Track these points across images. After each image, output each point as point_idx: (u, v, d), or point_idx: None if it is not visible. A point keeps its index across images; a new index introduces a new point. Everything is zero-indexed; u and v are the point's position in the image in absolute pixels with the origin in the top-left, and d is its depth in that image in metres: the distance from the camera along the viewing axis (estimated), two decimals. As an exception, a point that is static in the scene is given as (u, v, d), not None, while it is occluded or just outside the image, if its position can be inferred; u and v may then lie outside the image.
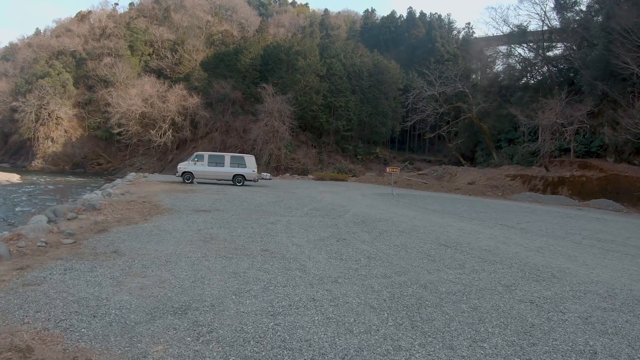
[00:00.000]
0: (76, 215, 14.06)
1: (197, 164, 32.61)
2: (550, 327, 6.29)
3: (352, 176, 57.61)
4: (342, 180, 51.08)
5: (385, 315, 6.34)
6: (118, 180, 33.48)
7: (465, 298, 7.36)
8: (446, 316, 6.44)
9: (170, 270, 8.07)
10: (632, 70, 36.84)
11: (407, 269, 9.29)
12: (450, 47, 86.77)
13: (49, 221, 13.21)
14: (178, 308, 6.20)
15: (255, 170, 33.95)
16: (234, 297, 6.74)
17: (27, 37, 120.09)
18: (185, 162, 33.52)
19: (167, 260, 8.86)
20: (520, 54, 61.95)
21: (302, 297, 6.93)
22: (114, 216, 14.53)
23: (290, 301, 6.70)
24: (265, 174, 38.66)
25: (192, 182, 32.11)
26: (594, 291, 8.34)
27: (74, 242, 10.19)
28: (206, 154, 33.71)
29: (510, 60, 64.36)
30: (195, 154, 34.28)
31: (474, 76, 74.32)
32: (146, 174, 44.04)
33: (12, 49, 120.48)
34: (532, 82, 60.57)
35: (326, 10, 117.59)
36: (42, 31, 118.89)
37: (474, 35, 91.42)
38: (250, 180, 33.79)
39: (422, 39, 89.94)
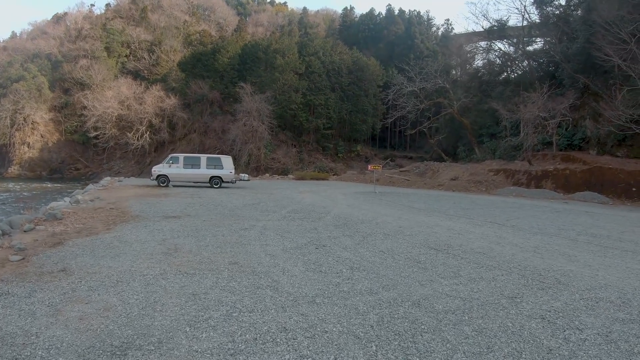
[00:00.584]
0: (34, 227, 12.91)
1: (172, 167, 31.23)
2: (571, 350, 5.21)
3: (333, 175, 56.63)
4: (322, 179, 49.99)
5: (374, 348, 5.13)
6: (90, 186, 31.93)
7: (466, 317, 6.18)
8: (447, 345, 5.26)
9: (120, 294, 6.81)
10: (613, 62, 36.19)
11: (396, 282, 8.08)
12: (430, 44, 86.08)
13: (3, 234, 12.12)
14: (118, 347, 4.97)
15: (233, 171, 32.71)
16: (187, 330, 5.49)
17: (3, 41, 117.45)
18: (160, 165, 32.10)
19: (118, 279, 7.59)
20: (500, 48, 60.98)
21: (271, 326, 5.68)
22: (75, 226, 13.33)
23: (256, 333, 5.44)
24: (243, 175, 37.32)
25: (167, 186, 30.78)
26: (606, 298, 7.30)
27: (22, 258, 9.01)
28: (181, 156, 32.35)
29: (490, 56, 63.27)
30: (170, 155, 32.96)
31: (453, 72, 73.58)
32: (121, 178, 42.40)
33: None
34: (513, 76, 59.71)
35: (305, 9, 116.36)
36: (18, 34, 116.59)
37: (454, 31, 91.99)
38: (228, 182, 32.59)
39: (401, 35, 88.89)
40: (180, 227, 13.54)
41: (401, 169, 55.14)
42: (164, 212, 16.87)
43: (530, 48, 58.32)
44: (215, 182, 31.82)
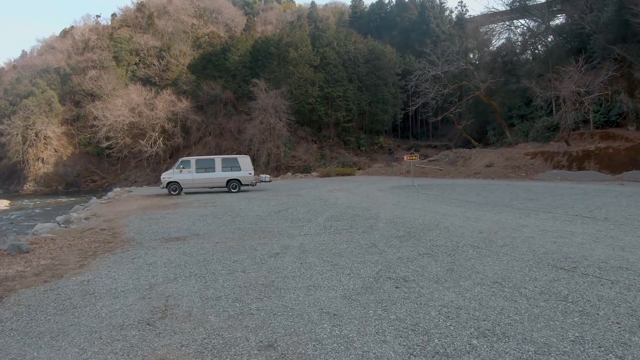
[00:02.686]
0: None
1: (183, 172, 26.99)
2: None
3: (358, 169, 52.28)
4: (349, 174, 45.75)
5: None
6: (93, 200, 27.88)
7: None
8: None
9: None
10: None
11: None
12: (445, 28, 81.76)
13: None
14: None
15: (252, 172, 28.23)
16: None
17: (14, 60, 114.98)
18: (170, 171, 27.87)
19: None
20: (523, 24, 56.78)
21: None
22: (40, 263, 9.53)
23: None
24: (263, 175, 32.67)
25: (179, 194, 26.62)
26: None
27: None
28: (193, 159, 28.09)
29: (512, 34, 59.56)
30: (180, 160, 28.57)
31: (470, 55, 69.25)
32: (131, 188, 38.24)
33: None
34: (539, 53, 55.41)
35: (313, 3, 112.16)
36: (27, 52, 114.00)
37: (468, 13, 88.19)
38: (247, 185, 28.22)
39: (416, 21, 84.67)
40: (181, 257, 9.38)
41: (430, 159, 50.90)
42: (166, 232, 12.76)
43: (554, 23, 54.52)
44: (233, 185, 27.49)
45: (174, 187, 26.77)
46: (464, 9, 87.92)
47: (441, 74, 49.72)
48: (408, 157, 31.16)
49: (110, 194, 32.06)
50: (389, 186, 28.70)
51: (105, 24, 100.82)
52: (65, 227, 16.56)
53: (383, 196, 21.89)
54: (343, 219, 14.05)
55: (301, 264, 8.36)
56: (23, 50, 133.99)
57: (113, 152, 68.74)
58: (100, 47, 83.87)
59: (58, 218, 19.25)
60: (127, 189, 37.65)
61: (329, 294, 6.42)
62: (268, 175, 32.64)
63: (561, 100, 38.37)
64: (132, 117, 67.62)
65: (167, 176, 27.26)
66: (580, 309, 5.59)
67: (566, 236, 10.41)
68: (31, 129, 71.68)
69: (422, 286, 6.69)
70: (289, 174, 50.29)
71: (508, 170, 37.02)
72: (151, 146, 65.50)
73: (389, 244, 10.01)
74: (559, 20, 55.14)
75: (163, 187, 27.21)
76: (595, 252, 8.65)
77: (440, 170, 41.97)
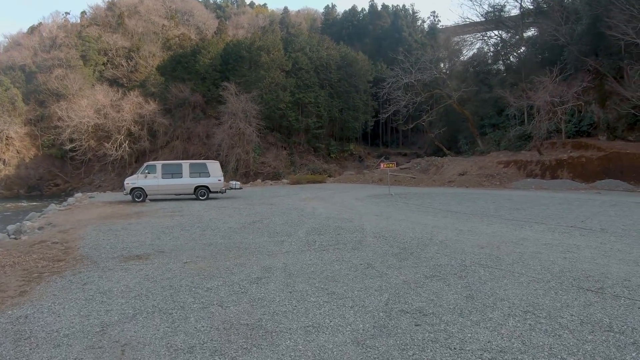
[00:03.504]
0: None
1: (148, 177, 25.07)
2: None
3: (329, 176, 50.92)
4: (320, 182, 44.32)
5: None
6: (51, 206, 25.82)
7: None
8: None
9: None
10: (625, 40, 34.35)
11: None
12: (417, 37, 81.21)
13: None
14: None
15: (222, 178, 26.59)
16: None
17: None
18: (134, 176, 25.90)
19: None
20: (498, 35, 56.48)
21: None
22: None
23: None
24: (233, 182, 30.73)
25: (143, 201, 24.81)
26: None
27: None
28: (159, 164, 26.20)
29: (485, 44, 59.53)
30: (145, 164, 26.74)
31: (442, 64, 68.78)
32: (93, 194, 35.81)
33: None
34: (513, 63, 55.63)
35: (286, 9, 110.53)
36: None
37: (440, 23, 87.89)
38: (216, 192, 26.55)
39: (388, 29, 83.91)
40: (143, 283, 7.87)
41: (401, 167, 49.94)
42: (126, 248, 11.21)
43: (526, 34, 55.25)
44: (202, 193, 25.74)
45: (138, 194, 24.90)
46: (436, 19, 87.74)
47: (414, 81, 49.35)
48: (384, 165, 30.08)
49: (70, 199, 29.96)
50: (365, 195, 27.56)
51: (74, 21, 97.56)
52: (15, 238, 14.91)
53: (362, 206, 20.70)
54: (326, 232, 12.80)
55: (290, 292, 7.00)
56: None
57: (77, 155, 65.71)
58: (68, 45, 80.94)
59: (9, 227, 17.43)
60: (89, 194, 35.34)
61: (335, 338, 5.11)
62: (238, 182, 30.82)
63: (535, 109, 39.06)
64: (98, 118, 64.94)
65: (130, 182, 25.33)
66: (632, 340, 4.95)
67: (572, 250, 9.95)
68: (-8, 128, 68.33)
69: (447, 321, 5.55)
70: (259, 180, 48.57)
71: (482, 178, 36.93)
72: (116, 149, 62.83)
73: (386, 264, 8.84)
74: (531, 32, 55.59)
75: (126, 194, 25.36)
76: (612, 269, 8.20)
77: (414, 178, 41.17)
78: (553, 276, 7.72)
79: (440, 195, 26.73)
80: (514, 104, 42.01)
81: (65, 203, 28.04)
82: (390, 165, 30.50)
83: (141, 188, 24.95)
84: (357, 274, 8.10)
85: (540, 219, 15.09)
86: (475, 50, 61.84)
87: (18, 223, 18.38)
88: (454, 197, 25.13)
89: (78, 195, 34.40)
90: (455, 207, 19.65)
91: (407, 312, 5.94)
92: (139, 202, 24.62)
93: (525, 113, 44.34)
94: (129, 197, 25.30)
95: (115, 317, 5.98)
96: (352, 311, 6.03)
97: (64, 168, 72.29)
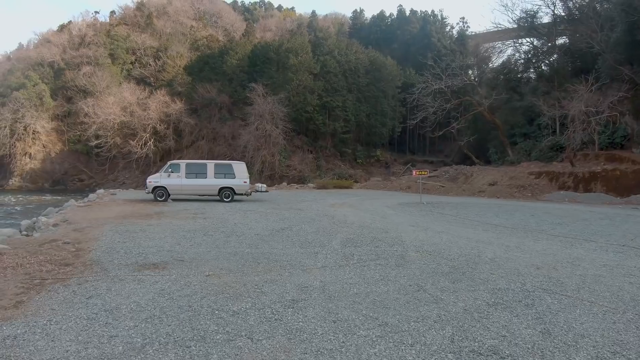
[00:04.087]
0: None
1: (171, 176, 23.96)
2: None
3: (355, 182, 49.61)
4: (346, 187, 43.09)
5: None
6: (71, 202, 24.89)
7: None
8: None
9: None
10: None
11: None
12: (446, 42, 79.50)
13: None
14: None
15: (248, 180, 25.29)
16: None
17: (10, 52, 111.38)
18: (157, 175, 24.85)
19: None
20: (530, 42, 54.75)
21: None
22: None
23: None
24: (259, 185, 29.34)
25: (165, 200, 23.68)
26: None
27: None
28: (183, 163, 25.07)
29: (516, 52, 58.06)
30: (168, 163, 25.53)
31: (471, 71, 67.35)
32: (115, 191, 34.90)
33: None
34: (545, 71, 53.42)
35: (314, 13, 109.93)
36: (24, 45, 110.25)
37: (469, 30, 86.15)
38: (241, 194, 25.25)
39: (417, 34, 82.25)
40: (157, 300, 6.60)
41: (429, 175, 48.44)
42: (142, 253, 9.97)
43: (560, 41, 53.36)
44: (226, 194, 24.50)
45: (161, 193, 23.82)
46: (465, 25, 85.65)
47: (444, 87, 47.66)
48: (417, 172, 28.47)
49: (91, 196, 29.03)
50: (395, 202, 26.08)
51: (104, 21, 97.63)
52: (26, 235, 13.86)
53: (395, 214, 19.30)
54: (362, 244, 11.48)
55: (334, 322, 5.66)
56: (20, 43, 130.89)
57: (102, 151, 65.57)
58: (97, 43, 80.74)
59: (23, 223, 16.40)
60: (111, 191, 34.48)
61: None
62: (264, 185, 29.37)
63: (569, 119, 36.75)
64: (124, 116, 64.71)
65: (153, 180, 24.26)
66: None
67: (635, 274, 8.83)
68: (20, 123, 68.47)
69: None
70: (284, 184, 47.46)
71: (513, 189, 35.32)
72: (141, 147, 62.47)
73: (439, 286, 7.54)
74: (563, 39, 53.95)
75: (148, 192, 24.25)
76: None
77: (443, 186, 39.74)
78: (627, 305, 6.70)
79: (474, 205, 25.22)
80: (547, 113, 40.39)
81: (85, 199, 27.12)
82: (423, 172, 28.87)
83: (164, 187, 23.88)
84: (408, 298, 6.79)
85: (587, 236, 13.84)
86: (505, 58, 60.51)
87: (34, 218, 17.43)
88: (489, 208, 23.63)
89: (100, 191, 33.53)
90: (493, 219, 18.25)
91: (481, 354, 4.69)
92: (161, 201, 23.50)
93: (557, 123, 42.65)
94: (151, 196, 24.21)
95: (120, 348, 4.71)
96: (413, 351, 4.74)
97: (89, 164, 72.23)
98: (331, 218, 17.11)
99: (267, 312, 5.99)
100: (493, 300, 6.75)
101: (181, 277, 7.75)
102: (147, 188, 24.50)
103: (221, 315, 5.80)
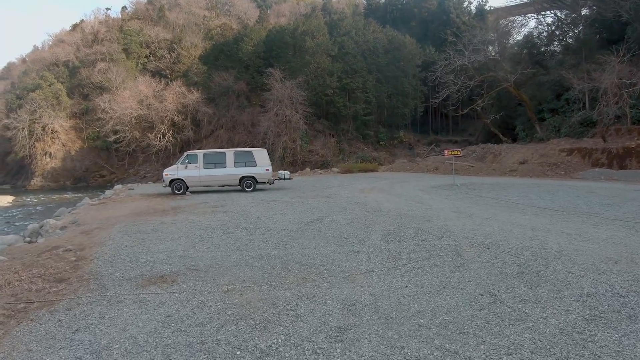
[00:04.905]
0: None
1: (189, 168, 22.37)
2: None
3: (379, 164, 47.75)
4: (372, 170, 41.23)
5: None
6: (85, 200, 23.50)
7: None
8: None
9: None
10: None
11: None
12: (465, 18, 76.76)
13: None
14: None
15: (270, 168, 23.51)
16: None
17: (25, 55, 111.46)
18: (173, 167, 23.16)
19: None
20: (553, 13, 52.21)
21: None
22: None
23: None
24: (282, 172, 27.37)
25: (184, 193, 22.14)
26: None
27: None
28: (200, 153, 23.34)
29: (539, 24, 55.41)
30: (185, 153, 23.77)
31: (490, 48, 64.82)
32: (133, 186, 33.37)
33: (9, 68, 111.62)
34: (572, 43, 50.66)
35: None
36: (39, 47, 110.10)
37: (487, 3, 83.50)
38: (264, 183, 23.61)
39: (435, 11, 79.00)
40: (160, 331, 5.01)
41: (440, 155, 46.54)
42: (150, 261, 8.35)
43: (584, 12, 50.12)
44: (248, 184, 22.87)
45: (178, 186, 22.25)
46: (484, 0, 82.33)
47: (468, 63, 45.55)
48: (449, 152, 26.51)
49: (108, 192, 27.60)
50: (427, 185, 24.28)
51: (116, 17, 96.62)
52: (29, 241, 12.51)
53: (431, 199, 17.51)
54: (406, 237, 9.78)
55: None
56: (34, 45, 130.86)
57: (121, 146, 64.66)
58: (110, 39, 79.95)
59: (30, 226, 15.03)
60: (128, 186, 33.04)
61: None
62: (288, 172, 27.40)
63: (600, 93, 34.70)
64: (140, 109, 63.41)
65: (170, 173, 22.67)
66: None
67: None
68: (37, 123, 67.77)
69: None
70: (308, 169, 45.59)
71: (545, 167, 33.67)
72: (160, 140, 61.29)
73: (515, 294, 5.94)
74: (587, 10, 50.52)
75: (165, 186, 22.78)
76: None
77: (472, 167, 37.72)
78: None
79: (510, 186, 23.30)
80: (577, 87, 38.06)
81: (101, 196, 25.74)
82: (455, 152, 26.74)
83: (181, 179, 22.31)
84: (485, 314, 5.17)
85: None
86: (526, 32, 57.81)
87: (42, 221, 16.12)
88: (528, 188, 21.75)
89: (117, 187, 32.26)
90: (538, 201, 16.46)
91: None
92: (178, 194, 21.98)
93: (586, 97, 40.13)
94: (169, 190, 22.75)
95: None
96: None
97: (109, 159, 71.65)
98: (364, 206, 15.41)
99: (308, 351, 4.33)
100: (588, 312, 5.18)
101: (193, 295, 6.12)
102: (163, 181, 22.99)
103: (244, 357, 4.17)
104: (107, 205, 19.26)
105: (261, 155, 23.51)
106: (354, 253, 8.43)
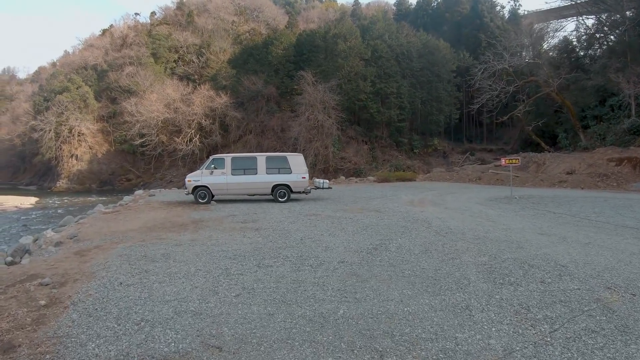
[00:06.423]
0: None
1: (214, 174, 19.34)
2: None
3: (414, 173, 44.76)
4: (409, 180, 38.30)
5: None
6: (98, 207, 20.67)
7: None
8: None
9: None
10: None
11: None
12: (499, 23, 73.46)
13: None
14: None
15: (307, 175, 20.33)
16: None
17: (56, 60, 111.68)
18: (197, 172, 20.18)
19: None
20: (594, 16, 48.66)
21: None
22: None
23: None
24: (320, 180, 23.71)
25: (208, 202, 19.19)
26: None
27: None
28: (228, 157, 20.18)
29: (578, 27, 51.80)
30: (211, 157, 20.71)
31: (523, 53, 61.80)
32: (154, 192, 30.18)
33: (39, 72, 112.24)
34: (616, 46, 47.14)
35: (356, 1, 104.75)
36: (70, 52, 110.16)
37: (521, 7, 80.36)
38: (299, 192, 20.53)
39: (467, 15, 75.78)
40: None
41: (495, 164, 43.27)
42: (147, 323, 5.25)
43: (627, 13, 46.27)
44: (281, 193, 19.84)
45: (203, 194, 19.26)
46: (517, 4, 78.95)
47: (508, 67, 42.88)
48: (507, 161, 23.35)
49: (126, 198, 24.74)
50: (482, 197, 21.10)
51: (144, 22, 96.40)
52: (10, 261, 9.91)
53: (499, 215, 14.39)
54: (515, 278, 6.88)
55: None
56: (65, 50, 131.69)
57: (147, 149, 62.77)
58: (138, 43, 78.94)
59: (22, 240, 12.24)
60: (150, 192, 30.09)
61: None
62: (327, 181, 23.72)
63: None
64: (167, 112, 61.36)
65: (193, 179, 19.67)
66: None
67: None
68: (64, 125, 66.62)
69: None
70: (342, 177, 42.59)
71: (595, 178, 31.07)
72: (187, 144, 59.08)
73: None
74: (631, 11, 46.92)
75: (188, 193, 19.78)
76: None
77: (517, 177, 34.50)
78: None
79: (573, 200, 19.95)
80: (627, 91, 35.45)
81: (118, 203, 22.94)
82: (514, 161, 23.45)
83: (206, 187, 19.30)
84: None
85: None
86: (564, 35, 54.87)
87: (45, 231, 13.35)
88: (594, 202, 18.71)
89: (138, 192, 29.60)
90: (618, 219, 13.57)
91: None
92: (202, 204, 19.03)
93: (632, 103, 37.05)
94: (192, 197, 19.82)
95: None
96: None
97: (136, 163, 70.08)
98: (427, 224, 12.22)
99: None
100: None
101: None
102: (186, 188, 20.06)
103: None
104: (119, 215, 16.36)
105: (297, 161, 20.32)
106: (463, 310, 5.37)
